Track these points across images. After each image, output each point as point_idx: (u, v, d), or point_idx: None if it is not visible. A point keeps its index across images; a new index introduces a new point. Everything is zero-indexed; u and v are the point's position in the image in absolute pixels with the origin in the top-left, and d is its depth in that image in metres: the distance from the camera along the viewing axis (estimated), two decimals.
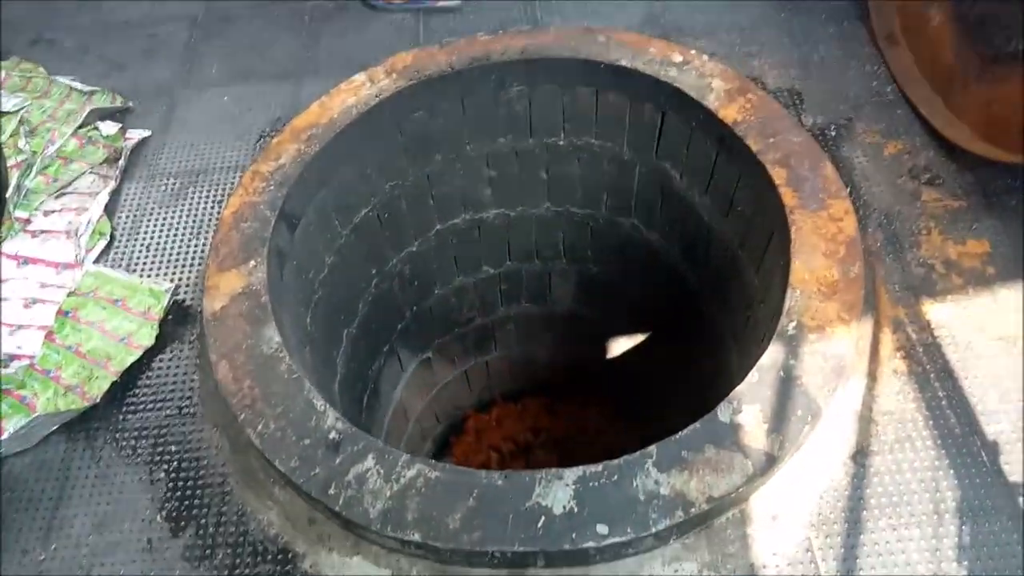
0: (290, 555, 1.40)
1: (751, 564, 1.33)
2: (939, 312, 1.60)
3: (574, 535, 1.25)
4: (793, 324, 1.46)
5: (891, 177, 1.83)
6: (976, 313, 1.59)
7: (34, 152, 2.01)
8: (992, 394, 1.48)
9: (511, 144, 2.20)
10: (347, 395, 2.13)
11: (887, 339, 1.58)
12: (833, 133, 1.93)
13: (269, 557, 1.40)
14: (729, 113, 1.81)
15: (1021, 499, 1.36)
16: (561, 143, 2.19)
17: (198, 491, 1.49)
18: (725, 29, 2.20)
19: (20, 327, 1.71)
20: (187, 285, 1.81)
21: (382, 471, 1.33)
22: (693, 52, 1.93)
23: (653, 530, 1.24)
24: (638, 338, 2.76)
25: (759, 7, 2.25)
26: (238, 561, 1.40)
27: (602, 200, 2.33)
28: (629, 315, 2.68)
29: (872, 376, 1.53)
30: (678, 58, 1.93)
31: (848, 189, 1.79)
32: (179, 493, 1.49)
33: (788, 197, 1.65)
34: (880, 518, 1.36)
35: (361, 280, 2.18)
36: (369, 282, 2.22)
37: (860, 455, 1.44)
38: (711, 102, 1.84)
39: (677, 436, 1.34)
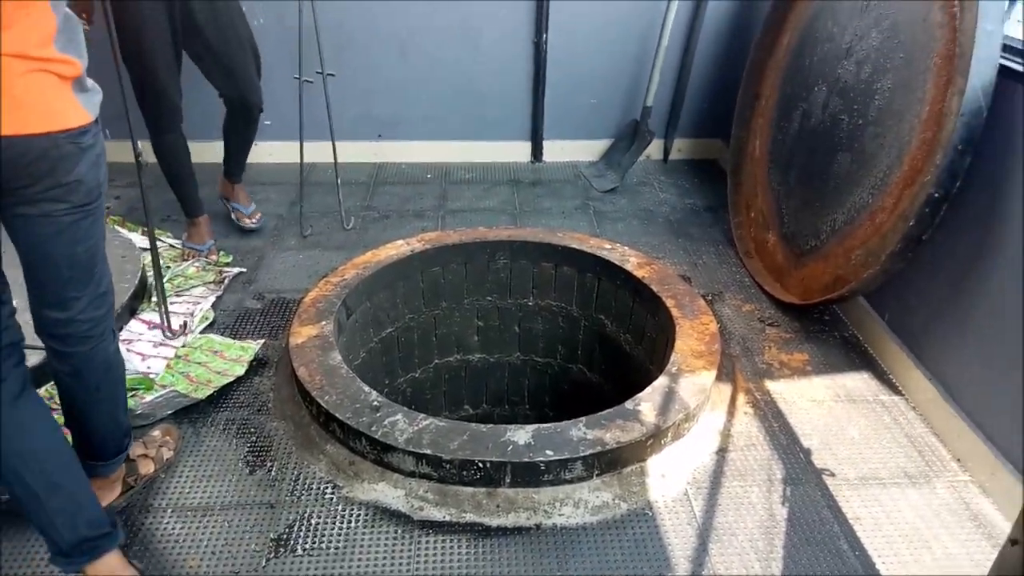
0: (333, 486, 2.01)
1: (647, 499, 1.98)
2: (775, 386, 2.43)
3: (531, 454, 1.93)
4: (675, 368, 2.28)
5: (747, 321, 2.77)
6: (797, 388, 2.42)
7: (167, 267, 2.90)
8: (807, 426, 2.26)
9: (495, 302, 3.13)
10: None
11: (741, 398, 2.38)
12: (710, 298, 2.91)
13: (317, 488, 2.01)
14: (640, 273, 2.80)
15: (824, 477, 2.08)
16: (530, 303, 3.13)
17: (269, 452, 2.13)
18: (641, 244, 3.29)
19: (150, 357, 2.44)
20: (266, 349, 2.58)
21: (407, 420, 2.03)
22: (617, 244, 2.99)
23: (580, 455, 1.93)
24: None
25: (663, 234, 3.39)
26: (296, 487, 2.00)
27: (557, 351, 3.21)
28: None
29: (730, 414, 2.31)
30: (608, 246, 2.98)
31: (718, 326, 2.72)
32: (255, 451, 2.12)
33: (676, 313, 2.57)
34: (733, 481, 2.05)
35: (378, 384, 2.93)
36: (381, 390, 2.97)
37: (721, 451, 2.16)
38: (629, 268, 2.84)
39: (598, 414, 2.08)
